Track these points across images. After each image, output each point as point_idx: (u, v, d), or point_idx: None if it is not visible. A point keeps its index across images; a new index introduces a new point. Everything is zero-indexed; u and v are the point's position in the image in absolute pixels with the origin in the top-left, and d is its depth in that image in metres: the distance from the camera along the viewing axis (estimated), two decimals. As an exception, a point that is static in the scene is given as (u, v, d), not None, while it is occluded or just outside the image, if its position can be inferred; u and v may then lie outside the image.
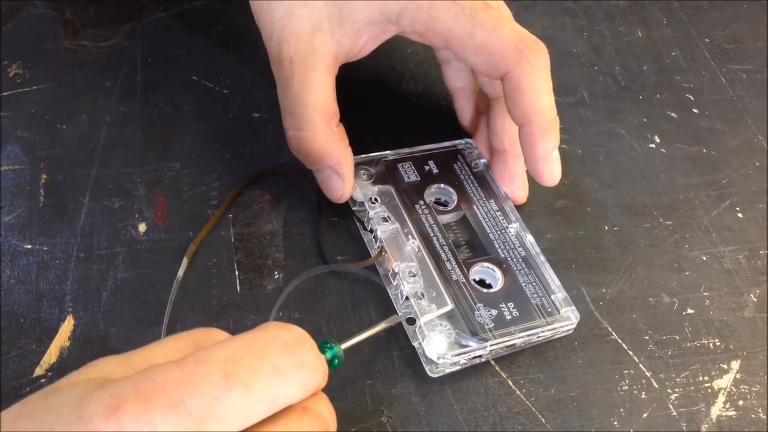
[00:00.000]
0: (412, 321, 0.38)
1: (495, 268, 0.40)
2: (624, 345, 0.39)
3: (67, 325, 0.38)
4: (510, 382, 0.37)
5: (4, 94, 0.47)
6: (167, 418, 0.24)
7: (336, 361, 0.31)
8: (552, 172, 0.40)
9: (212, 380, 0.24)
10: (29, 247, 0.40)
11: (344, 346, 0.31)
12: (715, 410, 0.37)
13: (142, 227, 0.41)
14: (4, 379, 0.36)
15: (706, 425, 0.36)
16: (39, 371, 0.36)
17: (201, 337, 0.28)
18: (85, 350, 0.37)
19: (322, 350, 0.30)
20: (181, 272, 0.39)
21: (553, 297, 0.38)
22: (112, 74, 0.48)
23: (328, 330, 0.38)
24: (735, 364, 0.38)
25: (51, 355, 0.37)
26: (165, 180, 0.43)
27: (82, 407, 0.24)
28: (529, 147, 0.39)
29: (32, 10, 0.51)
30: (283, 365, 0.26)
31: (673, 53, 0.53)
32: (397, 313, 0.38)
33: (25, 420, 0.25)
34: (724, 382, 0.38)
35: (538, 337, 0.38)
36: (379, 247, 0.40)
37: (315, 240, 0.41)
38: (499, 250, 0.40)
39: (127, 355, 0.27)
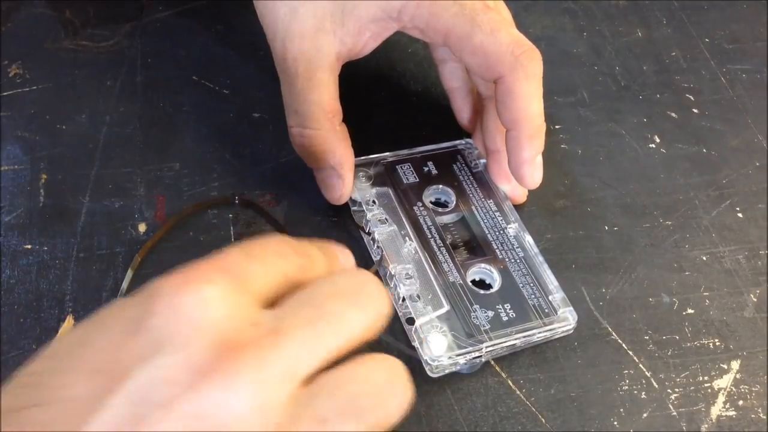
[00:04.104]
0: (411, 321, 0.38)
1: (493, 269, 0.40)
2: (624, 345, 0.39)
3: (67, 325, 0.38)
4: (510, 382, 0.37)
5: (4, 94, 0.47)
6: (219, 288, 0.25)
7: None
8: (533, 177, 0.41)
9: (239, 258, 0.26)
10: (29, 247, 0.40)
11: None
12: (715, 410, 0.37)
13: (142, 227, 0.41)
14: (4, 379, 0.36)
15: (706, 425, 0.36)
16: (39, 371, 0.36)
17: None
18: (84, 350, 0.37)
19: None
20: (125, 284, 0.39)
21: (551, 298, 0.38)
22: (112, 74, 0.48)
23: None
24: (735, 364, 0.38)
25: (51, 356, 0.36)
26: (165, 180, 0.43)
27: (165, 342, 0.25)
28: (515, 150, 0.40)
29: (32, 10, 0.51)
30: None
31: (673, 53, 0.53)
32: (397, 313, 0.38)
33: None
34: (724, 382, 0.38)
35: (536, 338, 0.38)
36: (378, 258, 0.40)
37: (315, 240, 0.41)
38: (497, 250, 0.40)
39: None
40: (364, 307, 0.26)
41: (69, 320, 0.38)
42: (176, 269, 0.26)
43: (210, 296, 0.24)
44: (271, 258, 0.27)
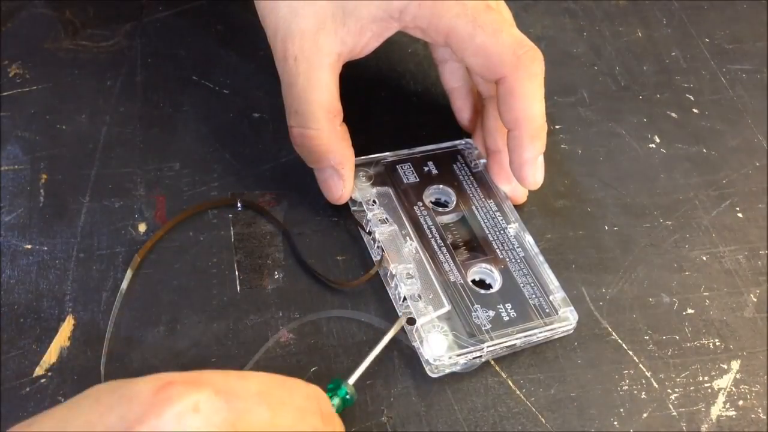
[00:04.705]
0: (412, 321, 0.38)
1: (493, 269, 0.40)
2: (624, 345, 0.39)
3: (67, 325, 0.38)
4: (510, 382, 0.37)
5: (4, 94, 0.47)
6: (209, 402, 0.25)
7: (348, 396, 0.34)
8: (535, 177, 0.40)
9: (251, 392, 0.27)
10: (29, 247, 0.40)
11: (352, 381, 0.34)
12: (715, 410, 0.37)
13: (142, 227, 0.41)
14: (4, 379, 0.36)
15: (706, 425, 0.36)
16: (39, 371, 0.36)
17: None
18: (85, 350, 0.37)
19: (333, 393, 0.33)
20: (124, 284, 0.39)
21: (551, 297, 0.38)
22: (112, 74, 0.48)
23: (328, 330, 0.38)
24: (735, 364, 0.38)
25: (51, 355, 0.37)
26: (165, 180, 0.43)
27: (124, 389, 0.26)
28: (517, 151, 0.40)
29: (32, 10, 0.51)
30: (305, 406, 0.29)
31: (673, 53, 0.53)
32: (398, 313, 0.38)
33: (57, 410, 0.27)
34: (724, 382, 0.38)
35: (536, 338, 0.38)
36: (378, 259, 0.40)
37: (315, 240, 0.41)
38: (498, 250, 0.40)
39: None
40: None
41: (69, 320, 0.38)
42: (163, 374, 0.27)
43: (192, 425, 0.25)
44: (287, 411, 0.28)
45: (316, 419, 0.29)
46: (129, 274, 0.39)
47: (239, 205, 0.42)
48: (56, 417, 0.26)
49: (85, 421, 0.25)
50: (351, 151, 0.41)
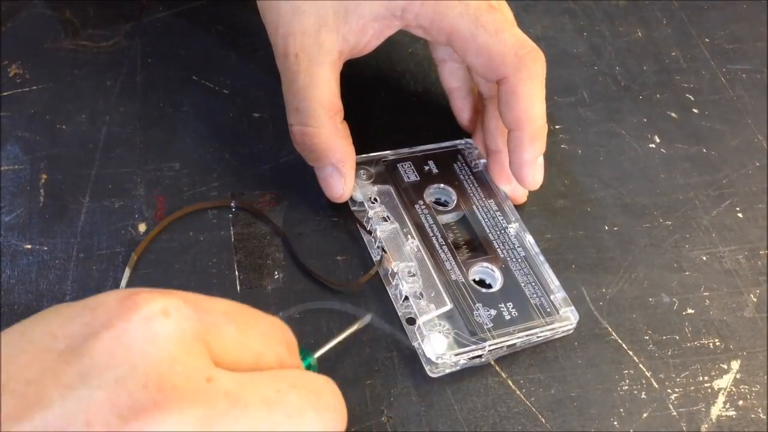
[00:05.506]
0: (411, 321, 0.38)
1: (494, 268, 0.40)
2: (624, 345, 0.39)
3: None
4: (510, 382, 0.37)
5: (4, 94, 0.47)
6: (179, 309, 0.24)
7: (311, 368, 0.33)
8: (534, 178, 0.40)
9: (219, 310, 0.25)
10: (29, 247, 0.40)
11: (317, 354, 0.34)
12: (715, 410, 0.37)
13: (142, 227, 0.41)
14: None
15: (706, 425, 0.36)
16: (39, 371, 0.36)
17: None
18: (85, 350, 0.37)
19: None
20: (123, 283, 0.39)
21: (552, 297, 0.38)
22: (112, 74, 0.48)
23: (328, 330, 0.38)
24: (735, 364, 0.38)
25: (51, 355, 0.36)
26: (165, 180, 0.43)
27: (88, 300, 0.24)
28: (517, 151, 0.40)
29: (32, 10, 0.51)
30: (270, 333, 0.27)
31: (673, 53, 0.53)
32: (398, 313, 0.38)
33: (20, 325, 0.24)
34: (724, 382, 0.38)
35: (537, 337, 0.38)
36: (378, 259, 0.40)
37: (315, 240, 0.41)
38: (498, 250, 0.40)
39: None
40: (322, 413, 0.26)
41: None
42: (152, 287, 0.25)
43: (161, 330, 0.23)
44: (253, 334, 0.26)
45: (282, 348, 0.27)
46: (127, 272, 0.39)
47: (232, 206, 0.42)
48: (14, 331, 0.24)
49: (45, 332, 0.23)
50: (352, 149, 0.41)
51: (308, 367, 0.33)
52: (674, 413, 0.37)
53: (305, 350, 0.33)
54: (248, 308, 0.27)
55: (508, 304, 0.38)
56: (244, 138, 0.46)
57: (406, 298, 0.38)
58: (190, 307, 0.24)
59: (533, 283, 0.39)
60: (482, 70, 0.40)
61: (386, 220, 0.41)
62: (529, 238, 0.41)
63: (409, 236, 0.40)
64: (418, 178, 0.43)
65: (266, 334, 0.27)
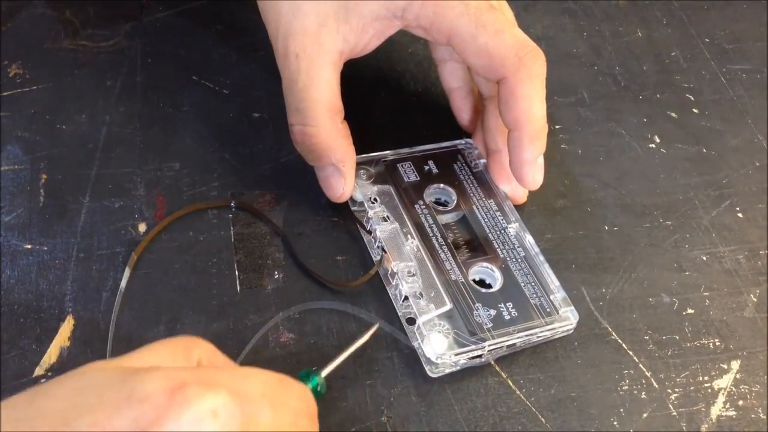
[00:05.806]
0: (411, 321, 0.38)
1: (494, 268, 0.40)
2: (624, 345, 0.39)
3: (67, 325, 0.38)
4: (510, 382, 0.37)
5: (4, 94, 0.47)
6: (226, 408, 0.25)
7: (319, 388, 0.34)
8: (534, 178, 0.41)
9: (257, 394, 0.27)
10: (29, 247, 0.40)
11: (324, 373, 0.34)
12: (715, 410, 0.37)
13: (142, 227, 0.41)
14: (4, 379, 0.36)
15: (706, 425, 0.36)
16: (39, 371, 0.36)
17: (187, 344, 0.29)
18: (85, 350, 0.37)
19: (304, 381, 0.33)
20: (123, 283, 0.39)
21: (552, 297, 0.38)
22: (112, 74, 0.48)
23: (328, 330, 0.38)
24: (735, 364, 0.38)
25: (51, 355, 0.37)
26: (165, 180, 0.43)
27: (131, 386, 0.25)
28: (517, 151, 0.40)
29: (32, 10, 0.51)
30: (299, 407, 0.29)
31: (673, 53, 0.53)
32: (398, 313, 0.38)
33: (50, 401, 0.25)
34: (724, 382, 0.38)
35: (537, 337, 0.38)
36: (378, 259, 0.40)
37: (315, 240, 0.41)
38: (498, 250, 0.40)
39: (120, 360, 0.28)
40: None
41: (69, 320, 0.38)
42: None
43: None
44: (285, 413, 0.28)
45: (307, 421, 0.29)
46: (127, 272, 0.39)
47: (232, 206, 0.42)
48: (57, 409, 0.25)
49: (92, 421, 0.24)
50: (352, 149, 0.41)
51: (314, 388, 0.34)
52: (674, 413, 0.37)
53: (311, 371, 0.34)
54: (282, 381, 0.29)
55: (507, 304, 0.38)
56: (244, 138, 0.46)
57: (406, 298, 0.38)
58: (236, 402, 0.26)
59: (533, 283, 0.39)
60: (482, 71, 0.40)
61: (386, 220, 0.41)
62: (529, 238, 0.41)
63: (408, 236, 0.40)
64: (418, 178, 0.43)
65: (296, 410, 0.29)
